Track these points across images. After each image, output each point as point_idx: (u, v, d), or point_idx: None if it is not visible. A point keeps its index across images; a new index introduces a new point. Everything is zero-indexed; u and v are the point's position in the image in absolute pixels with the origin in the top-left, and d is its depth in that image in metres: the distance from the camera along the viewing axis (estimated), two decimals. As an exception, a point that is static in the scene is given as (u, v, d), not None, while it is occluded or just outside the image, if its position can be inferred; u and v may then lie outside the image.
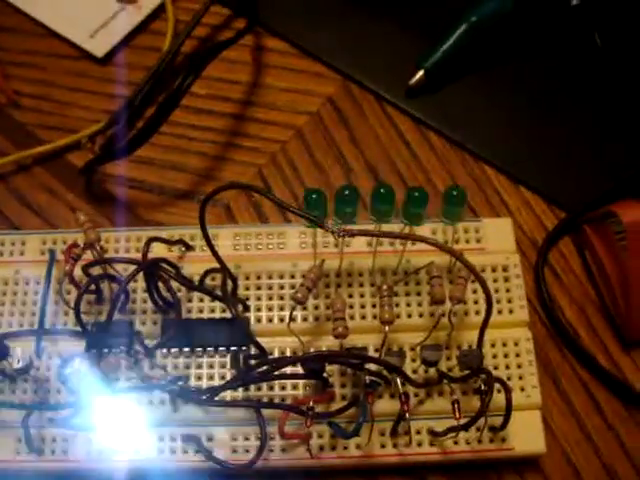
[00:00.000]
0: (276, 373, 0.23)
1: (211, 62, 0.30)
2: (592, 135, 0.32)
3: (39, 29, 0.35)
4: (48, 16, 0.35)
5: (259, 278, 0.27)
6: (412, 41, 0.33)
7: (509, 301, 0.27)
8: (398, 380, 0.24)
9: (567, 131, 0.32)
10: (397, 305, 0.26)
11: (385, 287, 0.25)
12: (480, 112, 0.32)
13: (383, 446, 0.25)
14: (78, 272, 0.25)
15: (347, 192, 0.24)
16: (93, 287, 0.26)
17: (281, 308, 0.26)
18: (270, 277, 0.27)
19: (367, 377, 0.23)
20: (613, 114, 0.32)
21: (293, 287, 0.27)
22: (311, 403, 0.23)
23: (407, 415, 0.24)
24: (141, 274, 0.25)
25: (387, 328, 0.24)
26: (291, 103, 0.33)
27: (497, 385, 0.24)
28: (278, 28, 0.34)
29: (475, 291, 0.27)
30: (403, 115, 0.32)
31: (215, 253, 0.25)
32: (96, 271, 0.25)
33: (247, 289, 0.27)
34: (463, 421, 0.24)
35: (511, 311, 0.27)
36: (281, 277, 0.27)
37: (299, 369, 0.24)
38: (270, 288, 0.27)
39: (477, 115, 0.32)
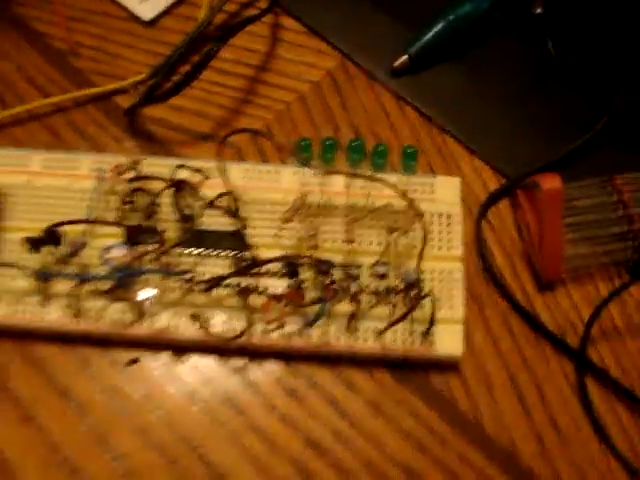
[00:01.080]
0: (263, 270, 0.31)
1: (237, 33, 0.38)
2: (538, 121, 0.38)
3: None
4: None
5: (257, 203, 0.34)
6: (400, 29, 0.40)
7: (448, 241, 0.34)
8: (352, 288, 0.32)
9: (520, 114, 0.38)
10: (359, 234, 0.34)
11: (352, 217, 0.32)
12: (449, 92, 0.39)
13: (338, 338, 0.32)
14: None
15: (329, 142, 0.32)
16: (130, 198, 0.34)
17: (271, 227, 0.34)
18: (265, 204, 0.35)
19: (330, 280, 0.31)
20: (562, 107, 0.39)
21: (283, 212, 0.34)
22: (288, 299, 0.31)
23: (358, 316, 0.32)
24: (168, 192, 0.33)
25: (350, 246, 0.32)
26: (297, 73, 0.40)
27: (429, 301, 0.32)
28: (293, 9, 0.41)
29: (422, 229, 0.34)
30: (387, 91, 0.39)
31: (224, 178, 0.33)
32: (135, 185, 0.33)
33: (249, 211, 0.34)
34: (401, 326, 0.32)
35: (449, 249, 0.34)
36: (273, 204, 0.35)
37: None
38: (265, 212, 0.34)
39: (446, 95, 0.39)
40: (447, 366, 0.33)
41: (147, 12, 0.41)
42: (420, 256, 0.32)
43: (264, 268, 0.31)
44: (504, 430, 0.32)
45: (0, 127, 0.38)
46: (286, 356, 0.33)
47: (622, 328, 0.34)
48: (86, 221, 0.33)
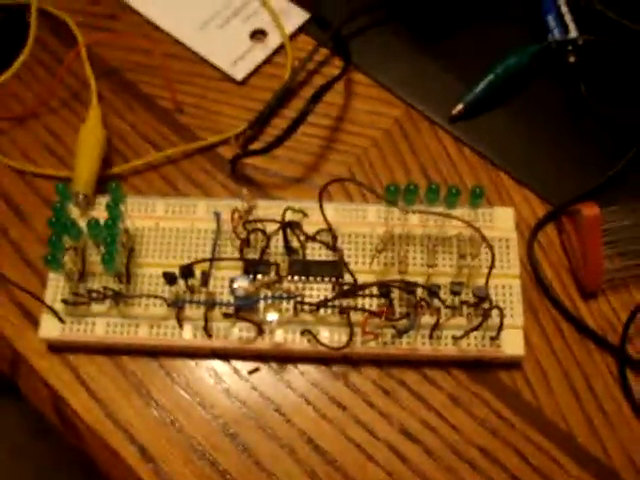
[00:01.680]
0: (360, 293, 0.39)
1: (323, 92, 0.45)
2: (576, 156, 0.45)
3: (195, 57, 0.48)
4: (201, 46, 0.49)
5: (350, 237, 0.41)
6: (454, 80, 0.47)
7: (508, 261, 0.41)
8: (435, 303, 0.39)
9: (561, 150, 0.45)
10: (437, 258, 0.41)
11: (430, 246, 0.40)
12: (500, 134, 0.46)
13: (423, 344, 0.40)
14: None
15: (412, 186, 0.39)
16: (246, 236, 0.41)
17: (364, 256, 0.41)
18: (357, 236, 0.42)
19: (416, 299, 0.39)
20: (596, 143, 0.46)
21: (371, 243, 0.41)
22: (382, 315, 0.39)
23: (439, 326, 0.39)
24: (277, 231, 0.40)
25: (430, 270, 0.39)
26: (370, 122, 0.47)
27: (496, 311, 0.39)
28: (362, 65, 0.48)
29: (486, 253, 0.41)
30: (447, 135, 0.46)
31: (325, 218, 0.40)
32: (251, 227, 0.41)
33: (343, 243, 0.41)
34: (474, 333, 0.39)
35: (508, 267, 0.41)
36: (364, 237, 0.42)
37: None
38: (357, 243, 0.42)
39: (497, 136, 0.45)
40: (512, 364, 0.40)
41: (239, 72, 0.48)
42: (488, 275, 0.39)
43: (361, 291, 0.39)
44: (560, 416, 0.39)
45: (122, 178, 0.45)
46: (380, 362, 0.40)
47: (655, 327, 0.41)
48: (214, 259, 0.40)
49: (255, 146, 0.45)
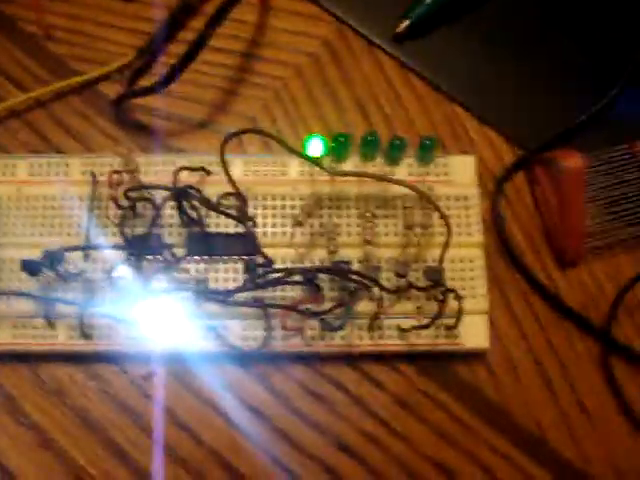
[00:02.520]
0: (279, 279, 0.30)
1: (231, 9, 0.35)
2: (554, 88, 0.36)
3: None
4: None
5: (265, 199, 0.33)
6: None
7: (467, 225, 0.32)
8: (373, 289, 0.30)
9: (534, 81, 0.36)
10: (377, 226, 0.32)
11: (368, 214, 0.31)
12: (456, 58, 0.37)
13: (361, 338, 0.31)
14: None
15: (342, 138, 0.30)
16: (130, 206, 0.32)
17: (283, 224, 0.32)
18: (274, 199, 0.33)
19: (351, 284, 0.30)
20: (579, 68, 0.37)
21: (293, 207, 0.32)
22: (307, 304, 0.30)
23: (380, 315, 0.31)
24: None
25: (368, 246, 0.30)
26: (292, 44, 0.37)
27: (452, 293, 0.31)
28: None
29: (441, 217, 0.33)
30: (390, 59, 0.37)
31: (230, 179, 0.31)
32: (136, 194, 0.31)
33: (255, 208, 0.33)
34: (425, 321, 0.31)
35: (468, 234, 0.33)
36: (283, 199, 0.33)
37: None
38: (274, 208, 0.33)
39: (453, 61, 0.37)
40: (473, 356, 0.32)
41: (124, -16, 0.38)
42: (443, 252, 0.30)
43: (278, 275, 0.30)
44: (532, 417, 0.32)
45: (-23, 129, 0.35)
46: (309, 358, 0.32)
47: (647, 303, 0.34)
48: (86, 247, 0.31)
49: (146, 81, 0.35)
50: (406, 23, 0.37)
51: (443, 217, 0.29)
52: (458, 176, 0.33)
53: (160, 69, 0.35)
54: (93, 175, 0.33)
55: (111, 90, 0.36)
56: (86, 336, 0.31)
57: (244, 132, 0.29)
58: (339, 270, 0.30)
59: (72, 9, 0.38)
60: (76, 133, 0.35)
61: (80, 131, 0.35)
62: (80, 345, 0.31)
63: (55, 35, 0.37)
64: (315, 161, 0.29)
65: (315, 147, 0.30)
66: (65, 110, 0.36)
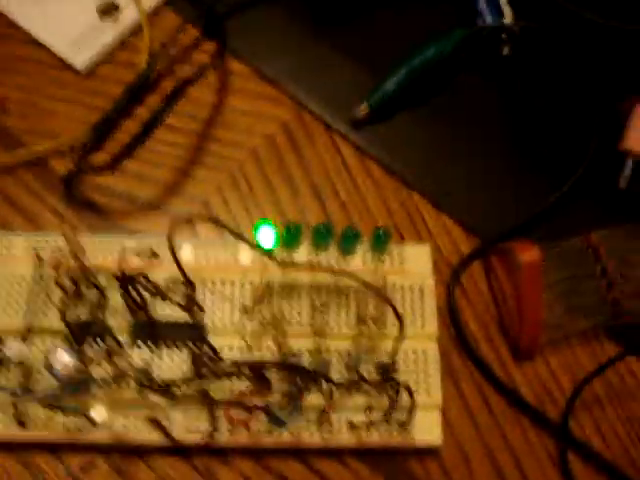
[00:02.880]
0: (226, 372, 0.29)
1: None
2: (510, 178, 0.36)
3: (26, 37, 0.37)
4: (34, 23, 0.37)
5: (214, 285, 0.32)
6: (361, 74, 0.38)
7: (422, 317, 0.32)
8: (323, 383, 0.29)
9: (490, 172, 0.36)
10: (328, 317, 0.31)
11: (319, 304, 0.30)
12: (414, 146, 0.37)
13: (310, 433, 0.30)
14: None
15: (293, 228, 0.29)
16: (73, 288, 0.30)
17: (232, 312, 0.31)
18: (223, 284, 0.32)
19: (298, 381, 0.29)
20: (535, 157, 0.37)
21: (243, 294, 0.31)
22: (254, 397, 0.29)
23: (329, 410, 0.29)
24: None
25: (318, 338, 0.30)
26: (249, 126, 0.37)
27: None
28: (242, 52, 0.38)
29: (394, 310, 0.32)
30: (348, 144, 0.37)
31: (179, 266, 0.30)
32: (79, 276, 0.30)
33: (204, 294, 0.32)
34: (376, 417, 0.29)
35: (423, 325, 0.32)
36: (232, 285, 0.32)
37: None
38: (223, 294, 0.32)
39: (411, 148, 0.36)
40: (426, 452, 0.31)
41: (80, 58, 0.37)
42: (396, 346, 0.29)
43: (227, 366, 0.29)
44: (486, 517, 0.31)
45: None
46: (255, 452, 0.31)
47: (604, 399, 0.33)
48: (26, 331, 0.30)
49: (99, 158, 0.34)
50: (363, 108, 0.36)
51: (395, 311, 0.28)
52: (413, 265, 0.33)
53: (112, 147, 0.34)
54: (37, 254, 0.31)
55: (62, 166, 0.35)
56: (21, 424, 0.29)
57: (191, 220, 0.29)
58: (288, 365, 0.29)
59: (27, 81, 0.37)
60: (23, 211, 0.34)
61: (28, 209, 0.34)
62: (14, 434, 0.29)
63: (8, 107, 0.36)
64: (266, 252, 0.28)
65: (266, 235, 0.29)
66: (14, 184, 0.35)
